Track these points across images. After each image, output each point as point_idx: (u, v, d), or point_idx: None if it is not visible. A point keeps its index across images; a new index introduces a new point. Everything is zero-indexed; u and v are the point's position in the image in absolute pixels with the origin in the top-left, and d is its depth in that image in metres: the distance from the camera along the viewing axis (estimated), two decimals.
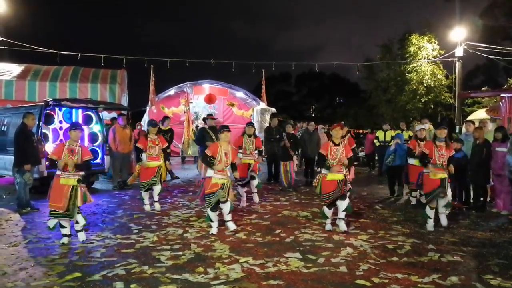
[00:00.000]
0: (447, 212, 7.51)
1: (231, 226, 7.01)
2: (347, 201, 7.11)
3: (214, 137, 10.56)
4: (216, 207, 6.91)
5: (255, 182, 9.31)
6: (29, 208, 8.47)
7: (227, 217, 7.06)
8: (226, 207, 7.00)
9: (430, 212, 7.37)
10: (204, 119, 12.70)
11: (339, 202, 7.09)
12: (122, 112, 12.25)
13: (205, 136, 10.72)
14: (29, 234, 6.77)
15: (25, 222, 7.62)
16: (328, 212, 7.17)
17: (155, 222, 7.62)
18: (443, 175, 7.26)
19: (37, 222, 7.61)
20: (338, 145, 7.18)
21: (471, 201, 9.21)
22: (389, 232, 7.00)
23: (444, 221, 7.42)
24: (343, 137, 8.48)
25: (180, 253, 5.76)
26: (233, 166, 7.33)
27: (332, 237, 6.66)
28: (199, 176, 11.25)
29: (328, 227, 7.14)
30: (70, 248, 5.99)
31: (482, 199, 9.13)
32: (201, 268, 5.14)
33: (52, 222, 6.35)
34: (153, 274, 4.97)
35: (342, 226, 7.07)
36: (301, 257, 5.62)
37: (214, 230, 6.86)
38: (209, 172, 6.97)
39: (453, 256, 5.77)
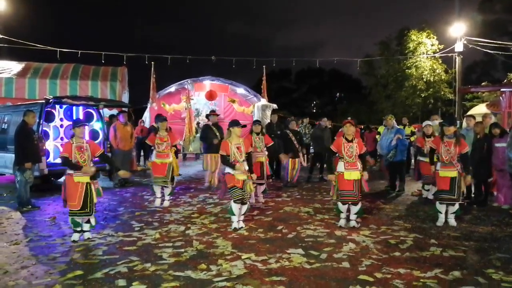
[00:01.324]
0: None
1: (240, 224, 6.94)
2: (359, 205, 7.08)
3: (218, 133, 10.58)
4: (240, 199, 6.85)
5: (262, 188, 9.26)
6: (30, 206, 8.46)
7: (241, 217, 7.01)
8: (244, 208, 6.99)
9: (440, 207, 7.27)
10: (207, 116, 12.68)
11: (351, 206, 7.08)
12: (123, 109, 12.24)
13: (209, 133, 10.73)
14: (30, 232, 6.76)
15: (26, 220, 7.61)
16: (343, 207, 7.10)
17: (157, 219, 7.61)
18: (453, 173, 7.08)
19: (38, 220, 7.60)
20: (351, 141, 7.04)
21: (473, 195, 9.21)
22: (391, 227, 7.00)
23: (452, 222, 7.20)
24: None
25: (182, 250, 5.75)
26: (249, 160, 7.21)
27: (334, 232, 6.65)
28: (200, 173, 11.24)
29: (342, 222, 7.09)
30: (71, 246, 5.98)
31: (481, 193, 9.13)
32: (203, 265, 5.13)
33: (71, 220, 6.28)
34: (155, 271, 4.96)
35: (352, 223, 7.06)
36: (303, 253, 5.61)
37: (235, 224, 6.88)
38: (228, 169, 6.95)
39: (455, 250, 5.76)
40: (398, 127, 12.61)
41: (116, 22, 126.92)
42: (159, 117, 9.30)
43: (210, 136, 10.62)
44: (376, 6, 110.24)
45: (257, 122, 9.70)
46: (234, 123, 7.15)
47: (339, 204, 7.13)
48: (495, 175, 9.00)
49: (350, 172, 6.94)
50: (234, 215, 6.89)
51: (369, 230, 6.78)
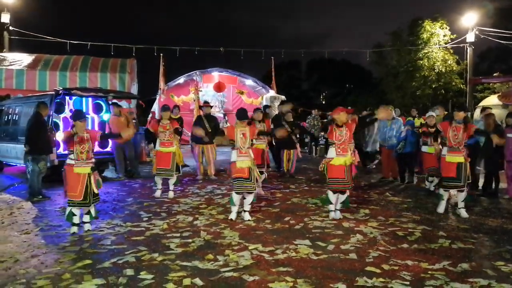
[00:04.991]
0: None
1: (247, 216, 6.90)
2: (346, 195, 7.05)
3: (207, 125, 10.55)
4: (242, 191, 6.88)
5: (262, 176, 9.24)
6: (41, 197, 8.53)
7: (247, 207, 6.96)
8: (249, 197, 6.95)
9: (444, 194, 7.32)
10: (200, 107, 12.64)
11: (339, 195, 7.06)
12: (113, 101, 12.03)
13: (199, 124, 10.68)
14: (40, 222, 6.84)
15: (36, 210, 7.69)
16: (333, 197, 6.99)
17: (165, 209, 7.65)
18: (460, 159, 7.10)
19: (48, 210, 7.68)
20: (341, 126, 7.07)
21: (483, 187, 9.14)
22: (400, 219, 6.96)
23: (464, 214, 7.15)
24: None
25: (190, 240, 5.77)
26: (263, 133, 8.08)
27: (341, 224, 6.64)
28: (204, 165, 11.22)
29: (332, 214, 6.97)
30: (80, 236, 6.03)
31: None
32: (210, 255, 5.16)
33: (68, 212, 6.26)
34: (162, 261, 4.99)
35: (338, 214, 7.02)
36: (310, 244, 5.61)
37: (233, 215, 6.88)
38: (233, 157, 6.93)
39: (464, 243, 5.73)
40: (408, 118, 12.59)
41: (125, 14, 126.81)
42: (163, 107, 9.31)
43: (199, 128, 10.59)
44: None
45: (258, 110, 9.69)
46: (242, 116, 7.09)
47: (330, 193, 7.01)
48: (505, 166, 8.91)
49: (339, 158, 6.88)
50: (234, 205, 6.92)
51: (377, 222, 6.76)
